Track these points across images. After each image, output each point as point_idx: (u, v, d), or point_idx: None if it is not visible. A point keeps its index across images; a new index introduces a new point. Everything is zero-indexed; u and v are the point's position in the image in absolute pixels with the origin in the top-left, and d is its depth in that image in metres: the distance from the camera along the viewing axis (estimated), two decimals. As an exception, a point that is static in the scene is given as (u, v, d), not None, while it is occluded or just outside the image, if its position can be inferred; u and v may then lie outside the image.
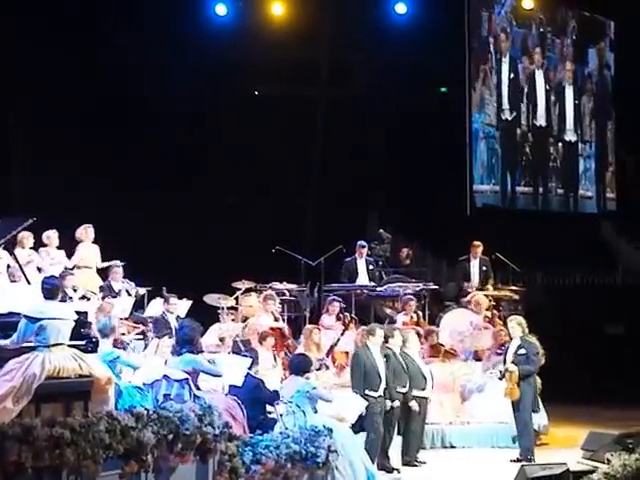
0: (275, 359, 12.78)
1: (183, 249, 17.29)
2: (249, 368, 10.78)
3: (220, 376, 10.16)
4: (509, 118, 20.66)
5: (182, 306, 13.75)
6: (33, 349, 8.62)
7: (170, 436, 8.12)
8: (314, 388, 10.42)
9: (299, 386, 10.35)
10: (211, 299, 14.47)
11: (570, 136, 21.71)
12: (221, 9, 19.46)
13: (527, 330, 12.50)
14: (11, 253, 11.97)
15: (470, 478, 11.61)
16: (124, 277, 14.30)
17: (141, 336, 12.95)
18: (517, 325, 12.50)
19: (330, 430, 9.70)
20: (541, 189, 21.24)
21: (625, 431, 11.39)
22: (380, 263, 17.23)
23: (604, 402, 15.91)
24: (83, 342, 9.25)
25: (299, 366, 10.67)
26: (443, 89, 20.97)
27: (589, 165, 22.12)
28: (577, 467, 10.48)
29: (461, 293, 16.31)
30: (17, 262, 11.71)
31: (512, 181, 20.74)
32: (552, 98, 21.37)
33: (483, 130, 20.25)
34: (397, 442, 12.12)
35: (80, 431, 7.53)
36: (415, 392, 12.15)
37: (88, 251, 14.76)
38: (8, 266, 12.42)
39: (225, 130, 18.70)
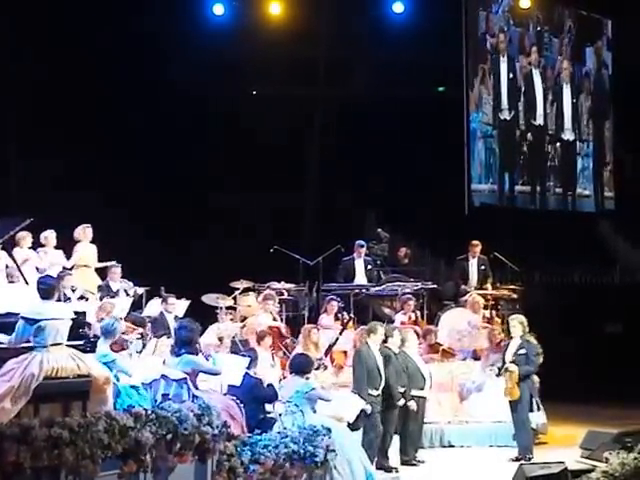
0: (273, 359, 12.76)
1: (181, 249, 17.29)
2: (248, 368, 10.77)
3: (219, 373, 10.16)
4: (507, 117, 20.65)
5: (180, 306, 13.75)
6: (31, 349, 8.62)
7: (169, 436, 8.12)
8: (313, 389, 10.40)
9: (298, 386, 10.34)
10: (209, 299, 14.48)
11: (568, 135, 21.70)
12: (218, 9, 19.46)
13: (528, 329, 12.49)
14: (9, 253, 11.96)
15: (469, 477, 11.62)
16: (122, 277, 14.30)
17: (139, 336, 12.93)
18: (519, 324, 12.48)
19: (329, 430, 9.70)
20: (539, 188, 21.23)
21: (624, 430, 11.42)
22: (378, 263, 17.23)
23: (603, 401, 15.92)
24: (81, 342, 9.25)
25: (299, 366, 10.65)
26: (441, 88, 20.99)
27: (587, 164, 22.12)
28: (576, 466, 10.51)
29: (459, 292, 16.31)
30: (15, 262, 11.70)
31: (510, 180, 20.73)
32: (550, 97, 21.37)
33: (481, 129, 20.24)
34: (395, 441, 12.12)
35: (79, 431, 7.53)
36: (413, 392, 12.16)
37: (86, 251, 14.76)
38: (6, 266, 12.41)
39: (223, 130, 18.70)
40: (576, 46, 21.83)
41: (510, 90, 20.65)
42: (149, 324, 13.12)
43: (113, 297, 13.61)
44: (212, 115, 18.51)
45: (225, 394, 10.31)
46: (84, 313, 10.25)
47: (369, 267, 16.31)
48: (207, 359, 10.19)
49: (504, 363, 12.38)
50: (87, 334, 9.59)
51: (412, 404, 12.08)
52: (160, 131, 17.87)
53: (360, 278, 16.18)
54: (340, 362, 13.50)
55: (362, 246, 16.36)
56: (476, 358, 14.27)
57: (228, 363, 10.67)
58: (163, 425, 8.11)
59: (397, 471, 11.70)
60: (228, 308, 14.48)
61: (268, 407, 10.53)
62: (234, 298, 14.81)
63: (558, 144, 21.58)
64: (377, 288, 15.95)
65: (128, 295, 14.02)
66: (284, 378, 11.86)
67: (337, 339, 13.43)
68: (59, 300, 10.23)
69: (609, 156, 22.43)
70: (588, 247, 20.24)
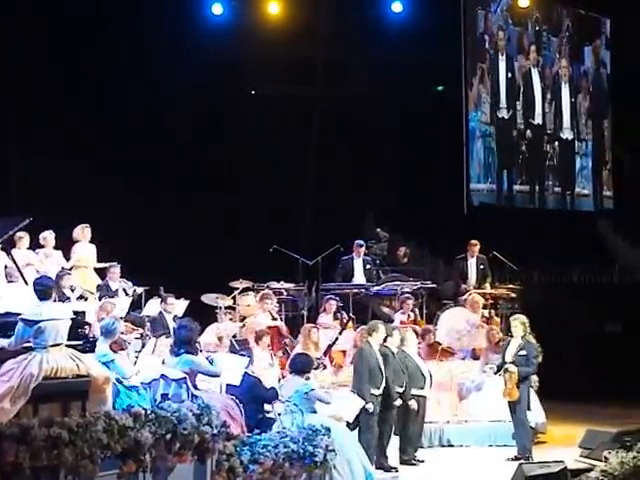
0: (272, 358, 12.76)
1: (181, 249, 17.29)
2: (246, 367, 10.77)
3: (218, 376, 10.15)
4: (505, 116, 20.65)
5: (179, 306, 13.75)
6: (31, 349, 8.62)
7: (168, 436, 8.12)
8: (312, 390, 10.39)
9: (298, 386, 10.33)
10: (209, 299, 14.49)
11: (566, 134, 21.70)
12: (217, 8, 19.45)
13: (529, 330, 12.48)
14: (8, 253, 11.96)
15: (468, 476, 11.61)
16: (121, 276, 14.30)
17: (139, 336, 12.94)
18: (520, 324, 12.44)
19: (328, 429, 9.70)
20: (538, 187, 21.24)
21: (623, 429, 11.42)
22: (378, 262, 17.24)
23: (602, 400, 15.93)
24: (81, 342, 9.25)
25: (300, 366, 10.64)
26: (440, 88, 20.99)
27: (586, 163, 22.12)
28: (575, 465, 10.52)
29: (458, 292, 16.32)
30: (14, 262, 11.69)
31: (509, 180, 20.74)
32: (548, 96, 21.37)
33: (480, 129, 20.23)
34: (395, 441, 12.12)
35: (78, 431, 7.53)
36: (414, 391, 12.16)
37: (85, 251, 14.76)
38: (5, 266, 12.41)
39: (222, 129, 18.70)
40: (574, 45, 21.83)
41: (508, 89, 20.65)
42: (148, 324, 13.12)
43: (112, 297, 13.60)
44: (211, 115, 18.50)
45: (224, 393, 10.31)
46: (83, 313, 10.26)
47: (368, 267, 16.31)
48: (210, 362, 10.16)
49: (503, 362, 12.36)
50: (86, 334, 9.59)
51: (412, 404, 12.09)
52: (159, 131, 17.87)
53: (359, 278, 16.18)
54: (339, 362, 13.51)
55: (361, 246, 16.37)
56: (475, 357, 14.28)
57: (227, 363, 10.67)
58: (162, 425, 8.11)
59: (397, 470, 11.69)
60: (227, 308, 14.49)
61: (267, 407, 10.53)
62: (233, 298, 14.81)
63: (557, 143, 21.58)
64: (376, 288, 15.95)
65: (127, 295, 14.02)
66: (283, 377, 11.88)
67: (336, 339, 13.43)
68: (58, 300, 10.23)
69: (608, 155, 22.43)
70: (587, 246, 20.24)
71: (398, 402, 11.79)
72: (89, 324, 10.39)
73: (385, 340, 11.92)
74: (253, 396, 10.42)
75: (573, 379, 16.21)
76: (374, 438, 11.43)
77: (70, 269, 14.33)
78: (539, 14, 21.24)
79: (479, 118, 20.20)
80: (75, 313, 9.28)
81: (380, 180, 19.30)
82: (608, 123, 22.40)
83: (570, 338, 18.31)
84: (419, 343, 13.49)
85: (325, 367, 12.94)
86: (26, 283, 10.96)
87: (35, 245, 14.12)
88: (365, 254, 16.47)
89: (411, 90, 19.33)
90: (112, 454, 7.70)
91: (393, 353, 11.95)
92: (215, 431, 8.50)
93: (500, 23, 20.62)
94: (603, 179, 22.37)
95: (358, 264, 16.26)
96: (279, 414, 10.29)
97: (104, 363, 9.96)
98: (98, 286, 14.22)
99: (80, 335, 9.35)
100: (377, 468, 11.10)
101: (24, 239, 13.57)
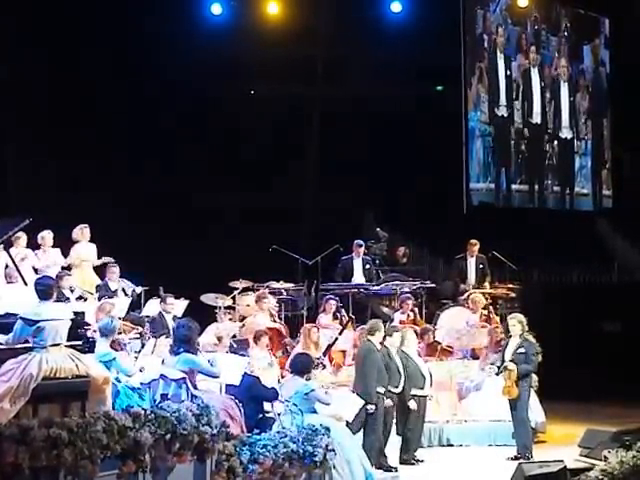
0: (271, 358, 12.75)
1: (181, 249, 17.29)
2: (245, 367, 10.78)
3: (217, 377, 10.15)
4: (505, 115, 20.67)
5: (179, 306, 13.75)
6: (30, 350, 8.63)
7: (168, 436, 8.13)
8: (313, 390, 10.37)
9: (298, 387, 10.31)
10: (208, 299, 14.49)
11: (566, 133, 21.73)
12: (216, 8, 19.45)
13: (527, 328, 12.50)
14: (8, 253, 11.96)
15: (468, 476, 11.60)
16: (121, 276, 14.31)
17: (138, 336, 12.94)
18: (518, 323, 12.47)
19: (328, 429, 9.70)
20: (537, 187, 21.25)
21: (622, 428, 11.43)
22: (377, 262, 17.25)
23: (601, 399, 15.92)
24: (80, 342, 9.26)
25: (300, 366, 10.62)
26: (439, 87, 20.99)
27: (585, 162, 22.14)
28: (574, 464, 10.53)
29: (458, 291, 16.33)
30: (14, 263, 11.70)
31: (508, 179, 20.75)
32: (547, 95, 21.39)
33: (479, 128, 20.25)
34: (395, 440, 12.12)
35: (77, 431, 7.54)
36: (414, 391, 12.14)
37: (84, 251, 14.75)
38: (5, 266, 12.41)
39: (222, 129, 18.70)
40: (573, 44, 21.86)
41: (507, 88, 20.66)
42: (147, 324, 13.12)
43: (112, 297, 13.61)
44: (211, 114, 18.50)
45: (224, 393, 10.32)
46: (83, 313, 10.27)
47: (368, 266, 16.31)
48: (209, 362, 10.15)
49: (503, 362, 12.38)
50: (86, 334, 9.59)
51: (412, 404, 12.08)
52: (159, 131, 17.87)
53: (359, 277, 16.19)
54: (339, 361, 13.52)
55: (361, 245, 16.38)
56: (475, 357, 14.28)
57: (227, 363, 10.67)
58: (162, 425, 8.12)
59: (396, 470, 11.69)
60: (227, 308, 14.49)
61: (267, 407, 10.53)
62: (233, 298, 14.82)
63: (556, 142, 21.60)
64: (376, 287, 15.95)
65: (127, 295, 14.02)
66: (283, 377, 11.88)
67: (336, 339, 13.43)
68: (58, 300, 10.23)
69: (607, 155, 22.45)
70: (586, 246, 20.24)
71: (388, 402, 11.74)
72: (89, 324, 10.41)
73: (384, 339, 11.92)
74: (253, 396, 10.42)
75: (572, 378, 16.20)
76: (378, 440, 11.44)
77: (69, 268, 14.34)
78: (538, 14, 21.26)
79: (478, 117, 20.21)
80: (74, 313, 9.28)
81: (380, 180, 19.29)
82: (607, 122, 22.42)
83: (569, 337, 18.30)
84: (419, 343, 13.49)
85: (324, 367, 12.94)
86: (25, 283, 10.97)
87: (33, 245, 14.12)
88: (365, 254, 16.48)
89: (410, 90, 19.34)
90: (112, 454, 7.71)
91: (390, 353, 11.93)
92: (215, 431, 8.50)
93: (499, 22, 20.64)
94: (602, 178, 22.40)
95: (358, 264, 16.26)
96: (279, 414, 10.29)
97: (106, 362, 9.98)
98: (97, 286, 14.22)
99: (80, 335, 9.35)
100: (377, 468, 11.09)
101: (21, 239, 13.57)
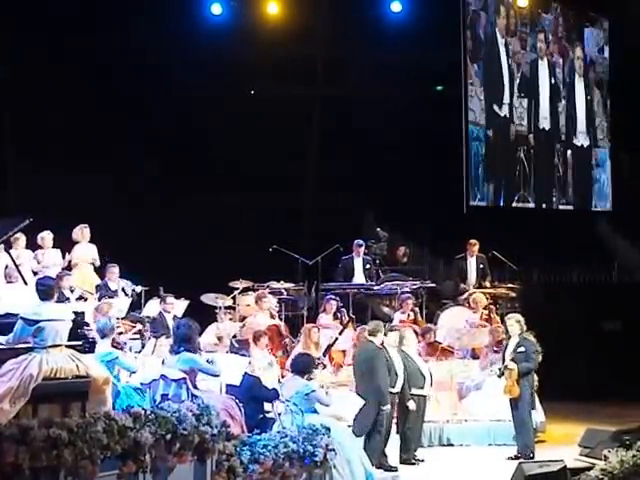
0: (271, 358, 12.76)
1: (180, 249, 17.29)
2: (246, 367, 10.79)
3: (218, 376, 10.16)
4: (507, 115, 20.64)
5: (179, 306, 13.77)
6: (30, 350, 8.63)
7: (168, 436, 8.13)
8: (313, 391, 10.37)
9: (299, 387, 10.31)
10: (208, 299, 14.50)
11: (582, 140, 21.70)
12: (216, 8, 19.44)
13: (525, 328, 12.51)
14: (8, 254, 11.97)
15: (468, 476, 11.61)
16: (120, 276, 14.31)
17: (138, 336, 12.95)
18: (516, 323, 12.49)
19: (328, 429, 9.70)
20: (544, 205, 21.19)
21: (622, 427, 11.43)
22: (377, 262, 17.26)
23: (601, 399, 15.93)
24: (80, 342, 9.26)
25: (301, 366, 10.62)
26: (439, 87, 20.99)
27: (602, 175, 22.15)
28: (574, 464, 10.53)
29: (458, 291, 16.33)
30: (14, 263, 11.71)
31: (507, 193, 20.67)
32: (547, 96, 21.36)
33: (478, 130, 20.19)
34: (395, 440, 12.12)
35: (77, 432, 7.54)
36: (414, 390, 12.15)
37: (84, 251, 14.76)
38: (6, 266, 12.42)
39: (222, 130, 18.70)
40: (572, 45, 21.82)
41: (508, 88, 20.62)
42: (148, 324, 13.13)
43: (112, 297, 13.62)
44: (210, 115, 18.49)
45: (224, 393, 10.32)
46: (83, 313, 10.27)
47: (368, 266, 16.32)
48: (210, 362, 10.16)
49: (504, 363, 12.38)
50: (86, 334, 9.60)
51: (411, 404, 12.08)
52: (159, 131, 17.86)
53: (359, 277, 16.20)
54: (339, 361, 13.53)
55: (361, 245, 16.38)
56: (475, 357, 14.29)
57: (227, 363, 10.68)
58: (162, 425, 8.12)
59: (397, 470, 11.69)
60: (227, 308, 14.50)
61: (267, 407, 10.54)
62: (233, 298, 14.83)
63: (569, 151, 21.55)
64: (376, 287, 15.96)
65: (127, 295, 14.03)
66: (283, 377, 11.88)
67: (336, 339, 13.43)
68: (58, 301, 10.24)
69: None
70: (586, 246, 20.24)
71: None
72: (89, 324, 10.41)
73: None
74: (253, 396, 10.43)
75: (572, 378, 16.21)
76: (382, 440, 11.45)
77: (69, 268, 14.34)
78: (538, 13, 21.24)
79: (478, 118, 20.17)
80: (75, 314, 9.29)
81: (380, 180, 19.29)
82: (607, 123, 22.40)
83: (569, 336, 18.29)
84: (419, 342, 13.50)
85: (325, 367, 12.93)
86: (25, 283, 10.98)
87: (33, 246, 14.12)
88: (365, 254, 16.49)
89: (410, 90, 19.33)
90: (112, 454, 7.71)
91: (388, 353, 11.91)
92: (215, 431, 8.50)
93: (499, 22, 20.61)
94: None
95: (358, 264, 16.27)
96: (279, 414, 10.29)
97: (109, 362, 10.00)
98: (97, 286, 14.23)
99: (80, 335, 9.36)
100: (377, 467, 11.09)
101: (21, 239, 13.58)
